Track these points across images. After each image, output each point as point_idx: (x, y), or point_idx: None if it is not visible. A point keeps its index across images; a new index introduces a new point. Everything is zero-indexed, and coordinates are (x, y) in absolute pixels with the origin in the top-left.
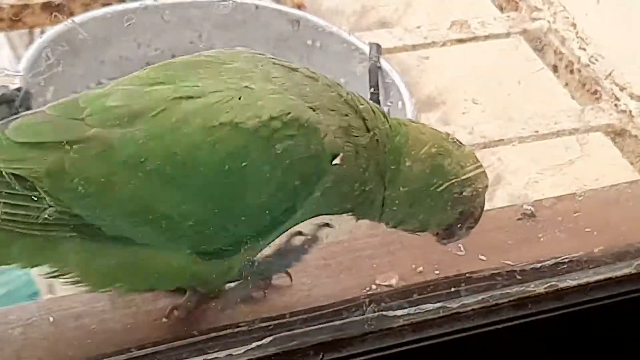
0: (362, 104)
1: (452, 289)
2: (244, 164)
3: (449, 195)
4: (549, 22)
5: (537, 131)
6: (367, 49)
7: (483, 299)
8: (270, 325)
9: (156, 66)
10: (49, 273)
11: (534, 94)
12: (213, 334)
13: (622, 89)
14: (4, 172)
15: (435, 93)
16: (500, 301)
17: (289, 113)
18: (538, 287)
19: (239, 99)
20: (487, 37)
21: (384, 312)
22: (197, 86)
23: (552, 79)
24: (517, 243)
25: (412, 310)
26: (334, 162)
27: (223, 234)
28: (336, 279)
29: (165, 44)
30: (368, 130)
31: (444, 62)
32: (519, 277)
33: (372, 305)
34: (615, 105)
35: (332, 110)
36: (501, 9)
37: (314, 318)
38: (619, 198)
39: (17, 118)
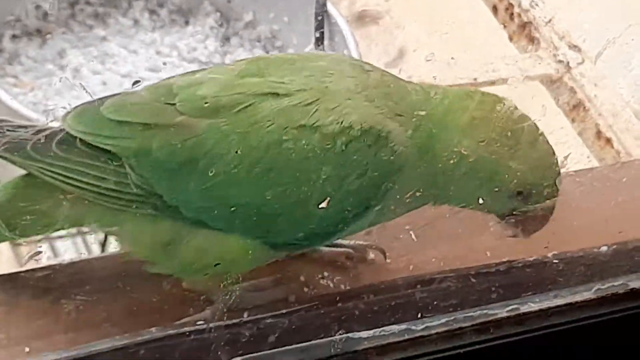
0: (422, 104)
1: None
2: (318, 166)
3: (503, 178)
4: None
5: (475, 78)
6: None
7: (447, 322)
8: (237, 346)
9: (250, 59)
10: (113, 234)
11: (472, 35)
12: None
13: (561, 38)
14: (95, 146)
15: None
16: (463, 325)
17: (366, 122)
18: (500, 311)
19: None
20: None
21: (349, 334)
22: (283, 82)
23: (492, 21)
24: (467, 232)
25: (377, 332)
26: (320, 206)
27: (292, 230)
28: None
29: None
30: (428, 133)
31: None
32: (473, 280)
33: (340, 331)
34: (554, 54)
35: (399, 115)
36: None
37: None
38: (566, 187)
39: (113, 96)
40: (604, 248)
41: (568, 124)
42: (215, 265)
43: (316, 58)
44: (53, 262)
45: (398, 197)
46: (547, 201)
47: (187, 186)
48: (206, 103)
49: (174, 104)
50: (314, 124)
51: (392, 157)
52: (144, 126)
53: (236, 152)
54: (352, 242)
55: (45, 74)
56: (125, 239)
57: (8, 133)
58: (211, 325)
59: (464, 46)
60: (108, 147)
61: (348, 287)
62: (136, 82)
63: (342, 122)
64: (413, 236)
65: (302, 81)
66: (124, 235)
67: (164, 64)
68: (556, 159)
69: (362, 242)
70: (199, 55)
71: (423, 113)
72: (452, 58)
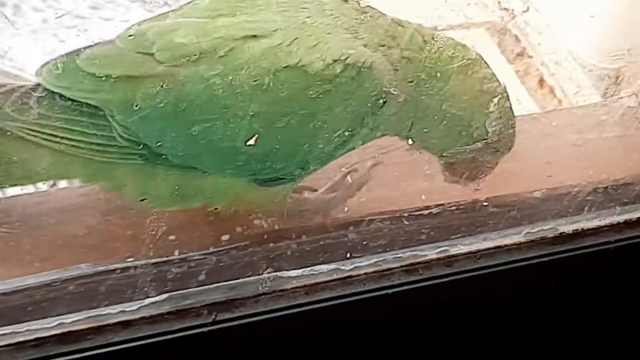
0: (399, 30)
1: (342, 250)
2: (306, 104)
3: (470, 128)
4: None
5: (419, 24)
6: None
7: (376, 262)
8: (165, 284)
9: None
10: (105, 187)
11: None
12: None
13: None
14: (76, 101)
15: None
16: (392, 266)
17: (349, 56)
18: (430, 253)
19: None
20: None
21: (278, 273)
22: (258, 22)
23: None
24: (403, 176)
25: (306, 271)
26: (248, 143)
27: (280, 166)
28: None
29: None
30: (408, 61)
31: None
32: (405, 222)
33: (269, 269)
34: (499, 2)
35: (381, 45)
36: None
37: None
38: None
39: (87, 48)
40: (537, 193)
41: (506, 65)
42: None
43: None
44: None
45: (375, 126)
46: (497, 153)
47: (173, 134)
48: (185, 50)
49: (152, 54)
50: (297, 63)
51: (375, 89)
52: (124, 78)
53: (221, 97)
54: None
55: None
56: (126, 191)
57: None
58: (138, 263)
59: None
60: (90, 102)
61: (280, 227)
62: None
63: (324, 59)
64: (349, 178)
65: (278, 18)
66: (121, 188)
67: None
68: None
69: None
70: None
71: (408, 51)
72: None
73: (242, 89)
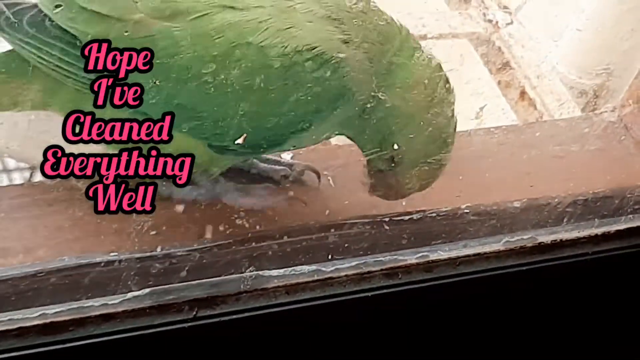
0: (387, 28)
1: (324, 252)
2: (260, 84)
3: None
4: None
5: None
6: None
7: (357, 265)
8: (148, 278)
9: None
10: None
11: None
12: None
13: None
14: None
15: None
16: (373, 269)
17: (315, 48)
18: (410, 257)
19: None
20: None
21: (260, 272)
22: None
23: None
24: None
25: (287, 271)
26: (236, 142)
27: (232, 136)
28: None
29: None
30: (385, 61)
31: None
32: (386, 226)
33: (250, 268)
34: (484, 13)
35: (364, 42)
36: None
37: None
38: (482, 141)
39: None
40: (517, 203)
41: (488, 77)
42: None
43: None
44: None
45: (335, 122)
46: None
47: (133, 80)
48: (164, 6)
49: (136, 2)
50: (260, 42)
51: (340, 84)
52: (102, 16)
53: (184, 57)
54: (290, 161)
55: None
56: None
57: None
58: (122, 257)
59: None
60: (70, 30)
61: (263, 228)
62: None
63: (287, 46)
64: (331, 182)
65: None
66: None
67: None
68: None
69: (301, 161)
70: None
71: (396, 56)
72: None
73: (203, 55)
